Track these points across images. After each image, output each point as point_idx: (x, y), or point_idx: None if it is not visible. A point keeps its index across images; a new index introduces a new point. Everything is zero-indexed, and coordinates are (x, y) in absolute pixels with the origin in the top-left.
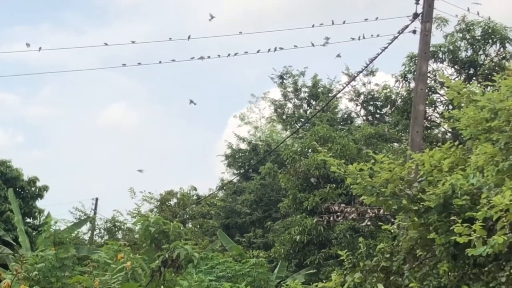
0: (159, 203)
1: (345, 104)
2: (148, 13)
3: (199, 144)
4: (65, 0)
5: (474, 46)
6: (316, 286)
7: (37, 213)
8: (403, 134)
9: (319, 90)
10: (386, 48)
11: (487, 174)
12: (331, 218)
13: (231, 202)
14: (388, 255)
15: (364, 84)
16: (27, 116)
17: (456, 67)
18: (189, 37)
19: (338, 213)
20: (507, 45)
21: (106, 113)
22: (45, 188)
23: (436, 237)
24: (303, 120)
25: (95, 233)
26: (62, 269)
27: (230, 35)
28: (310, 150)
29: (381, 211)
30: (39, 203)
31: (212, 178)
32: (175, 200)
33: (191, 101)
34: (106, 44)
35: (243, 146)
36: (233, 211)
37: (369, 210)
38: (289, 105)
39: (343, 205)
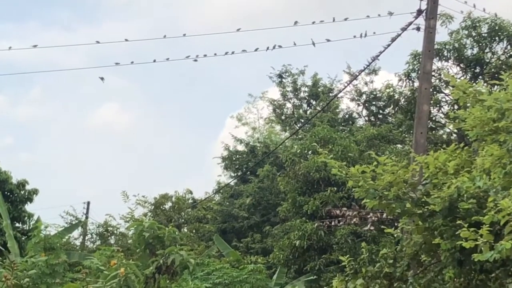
0: (153, 207)
1: (346, 104)
2: (139, 11)
3: (194, 145)
4: None
5: (480, 44)
6: None
7: (26, 218)
8: (406, 135)
9: (319, 89)
10: (389, 46)
11: (494, 177)
12: (332, 223)
13: (228, 206)
14: (391, 261)
15: (366, 83)
16: (16, 117)
17: (461, 65)
18: (184, 34)
19: (340, 217)
20: None
21: (98, 114)
22: (35, 192)
23: (441, 242)
24: (302, 120)
25: (86, 238)
26: (53, 276)
27: (227, 33)
28: (310, 152)
29: (384, 215)
30: (29, 207)
31: (208, 181)
32: (170, 204)
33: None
34: (98, 42)
35: (241, 147)
36: (230, 215)
37: (371, 214)
38: (288, 105)
39: (344, 208)
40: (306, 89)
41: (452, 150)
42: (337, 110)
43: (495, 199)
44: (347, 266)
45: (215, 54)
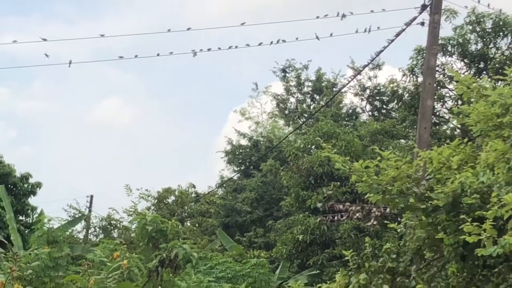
0: (156, 200)
1: (350, 99)
2: (142, 6)
3: (198, 140)
4: None
5: (484, 39)
6: (320, 287)
7: (29, 211)
8: (410, 130)
9: (323, 84)
10: (393, 40)
11: (497, 172)
12: (335, 217)
13: (231, 200)
14: (394, 256)
15: (370, 78)
16: (20, 110)
17: (465, 60)
18: (189, 28)
19: (343, 212)
20: None
21: (101, 108)
22: (38, 185)
23: (444, 237)
24: (306, 115)
25: (90, 231)
26: (56, 269)
27: (231, 27)
28: (313, 147)
29: (387, 210)
30: (32, 200)
31: (212, 175)
32: (173, 198)
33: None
34: (102, 35)
35: (244, 142)
36: (233, 210)
37: (374, 209)
38: (292, 99)
39: (347, 203)
40: (310, 83)
41: (455, 145)
42: (341, 105)
43: (499, 194)
44: (350, 260)
45: (219, 48)
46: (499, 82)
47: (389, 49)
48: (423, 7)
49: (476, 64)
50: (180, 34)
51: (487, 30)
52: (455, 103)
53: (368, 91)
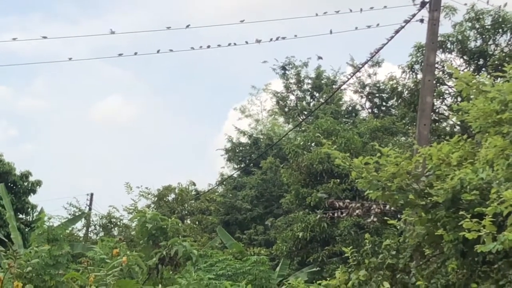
0: (156, 198)
1: (349, 96)
2: (142, 3)
3: (198, 137)
4: None
5: (484, 36)
6: (320, 284)
7: (29, 209)
8: (410, 127)
9: (322, 81)
10: (392, 38)
11: (497, 168)
12: (335, 214)
13: (231, 198)
14: (394, 252)
15: (369, 76)
16: (20, 108)
17: (465, 57)
18: (188, 26)
19: (342, 209)
20: None
21: (102, 106)
22: (38, 183)
23: (444, 234)
24: (306, 112)
25: (90, 229)
26: (56, 267)
27: (231, 24)
28: (313, 144)
29: (387, 206)
30: (32, 199)
31: (212, 173)
32: (173, 196)
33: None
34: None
35: (244, 139)
36: (233, 207)
37: (374, 206)
38: (292, 97)
39: (347, 200)
40: (310, 81)
41: (455, 141)
42: (340, 102)
43: (498, 190)
44: (350, 257)
45: (219, 45)
46: (499, 78)
47: (389, 46)
48: (423, 4)
49: (476, 61)
50: (180, 32)
51: (487, 27)
52: (455, 100)
53: (367, 88)
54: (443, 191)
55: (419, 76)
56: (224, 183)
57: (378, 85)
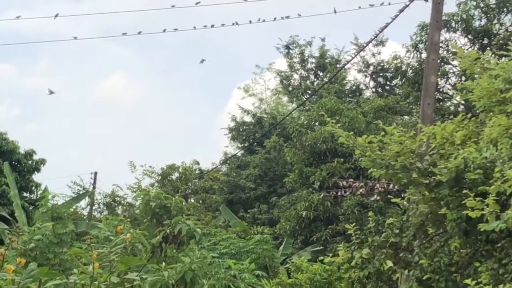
0: (160, 177)
1: (353, 76)
2: None
3: (202, 116)
4: None
5: (488, 15)
6: (323, 260)
7: (34, 187)
8: (413, 107)
9: (326, 60)
10: (396, 17)
11: (501, 147)
12: (339, 193)
13: (235, 177)
14: (397, 231)
15: (373, 55)
16: (24, 87)
17: (469, 36)
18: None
19: (346, 188)
20: None
21: (106, 85)
22: (42, 162)
23: (447, 212)
24: (310, 92)
25: (94, 208)
26: (60, 245)
27: (235, 3)
28: (317, 123)
29: (390, 185)
30: (36, 177)
31: (216, 152)
32: (177, 175)
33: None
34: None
35: (248, 119)
36: (237, 186)
37: (378, 185)
38: (296, 76)
39: (351, 180)
40: (313, 60)
41: (459, 121)
42: (344, 82)
43: (502, 169)
44: (353, 235)
45: (223, 24)
46: (503, 58)
47: (393, 25)
48: None
49: (480, 40)
50: (185, 11)
51: (491, 6)
52: (459, 79)
53: (371, 68)
54: (447, 170)
55: (423, 55)
56: (228, 162)
57: (382, 64)
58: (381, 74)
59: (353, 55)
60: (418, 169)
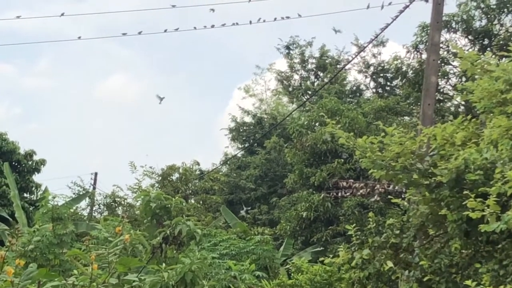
0: (160, 178)
1: (354, 76)
2: None
3: (202, 117)
4: None
5: (488, 16)
6: (323, 261)
7: (34, 188)
8: (414, 107)
9: (327, 61)
10: (397, 17)
11: (501, 148)
12: (339, 194)
13: (235, 177)
14: (398, 232)
15: (374, 55)
16: (24, 87)
17: (470, 37)
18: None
19: (346, 189)
20: None
21: (106, 85)
22: (42, 162)
23: (448, 213)
24: (310, 92)
25: (94, 208)
26: (60, 246)
27: (236, 3)
28: (317, 124)
29: (391, 186)
30: (36, 178)
31: (216, 153)
32: (177, 175)
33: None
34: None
35: (248, 119)
36: (237, 187)
37: (378, 186)
38: (296, 76)
39: (351, 180)
40: (314, 60)
41: (459, 122)
42: (345, 82)
43: (502, 170)
44: (353, 236)
45: (223, 24)
46: (503, 58)
47: (393, 26)
48: None
49: (480, 41)
50: (185, 10)
51: (491, 6)
52: (459, 80)
53: (372, 68)
54: (447, 171)
55: (424, 55)
56: (228, 162)
57: (382, 65)
58: (382, 75)
59: (354, 56)
60: (419, 170)
